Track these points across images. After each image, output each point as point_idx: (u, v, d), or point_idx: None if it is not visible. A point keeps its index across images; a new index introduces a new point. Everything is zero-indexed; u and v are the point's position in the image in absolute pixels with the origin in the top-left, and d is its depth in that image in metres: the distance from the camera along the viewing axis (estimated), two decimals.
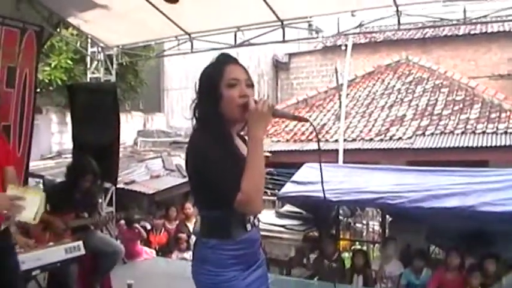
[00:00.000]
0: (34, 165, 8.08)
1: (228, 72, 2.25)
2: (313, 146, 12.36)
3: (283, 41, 6.94)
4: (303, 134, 13.29)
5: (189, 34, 7.15)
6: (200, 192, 2.30)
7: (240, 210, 2.15)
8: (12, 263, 3.34)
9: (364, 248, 9.16)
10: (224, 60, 2.31)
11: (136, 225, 7.74)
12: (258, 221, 2.40)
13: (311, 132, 13.16)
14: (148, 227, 8.74)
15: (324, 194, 2.57)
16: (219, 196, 2.16)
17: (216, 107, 2.23)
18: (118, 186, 7.70)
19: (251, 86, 2.30)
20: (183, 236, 9.02)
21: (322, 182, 2.62)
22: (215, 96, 2.23)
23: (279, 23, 6.66)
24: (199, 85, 2.31)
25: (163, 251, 8.76)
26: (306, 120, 2.46)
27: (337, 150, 10.88)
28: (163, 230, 9.14)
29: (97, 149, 6.21)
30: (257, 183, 2.15)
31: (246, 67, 2.35)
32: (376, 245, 8.86)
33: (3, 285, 3.19)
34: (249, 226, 2.30)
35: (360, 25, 6.62)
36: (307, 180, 7.20)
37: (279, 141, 13.31)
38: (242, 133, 2.44)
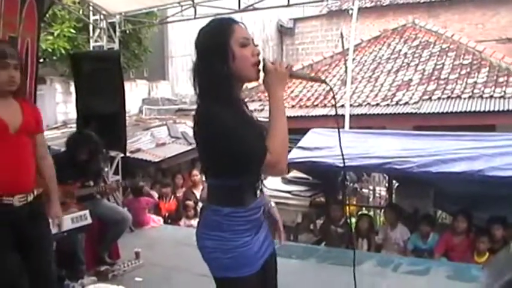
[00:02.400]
0: None
1: (237, 32, 2.18)
2: (318, 111, 12.32)
3: (288, 5, 6.85)
4: (308, 99, 13.21)
5: (192, 0, 7.06)
6: (214, 161, 2.24)
7: (268, 171, 2.19)
8: (45, 226, 3.33)
9: (371, 213, 9.19)
10: (229, 21, 2.22)
11: (146, 197, 7.73)
12: (264, 186, 2.38)
13: (316, 98, 13.10)
14: (156, 195, 8.74)
15: (344, 160, 2.55)
16: (241, 162, 2.13)
17: (226, 67, 2.14)
18: (123, 155, 7.68)
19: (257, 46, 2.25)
20: (190, 203, 9.02)
21: (341, 147, 2.56)
22: (226, 55, 2.14)
23: None
24: (202, 47, 2.21)
25: (172, 218, 8.76)
26: (323, 81, 2.44)
27: (343, 116, 10.81)
28: (172, 197, 9.14)
29: (102, 117, 6.18)
30: (283, 143, 2.16)
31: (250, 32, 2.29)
32: (383, 210, 8.87)
33: (37, 247, 3.19)
34: (258, 192, 2.29)
35: None
36: (314, 145, 7.18)
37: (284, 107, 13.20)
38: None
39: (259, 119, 2.34)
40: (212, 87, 2.15)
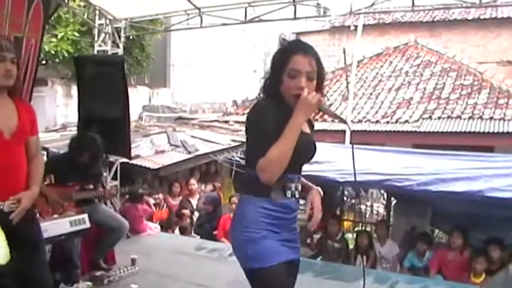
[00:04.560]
0: (39, 137, 8.02)
1: (293, 62, 2.42)
2: (319, 126, 12.17)
3: (294, 18, 6.85)
4: None
5: (198, 8, 7.05)
6: (249, 151, 2.54)
7: (258, 173, 2.32)
8: (37, 230, 3.27)
9: (368, 229, 9.17)
10: (293, 49, 2.48)
11: (144, 205, 7.69)
12: (299, 194, 2.56)
13: (317, 112, 13.07)
14: (152, 201, 8.70)
15: (355, 175, 2.67)
16: (253, 155, 2.36)
17: (276, 87, 2.46)
18: (122, 160, 7.65)
19: (312, 79, 2.44)
20: (186, 212, 8.99)
21: (354, 165, 2.65)
22: (278, 79, 2.45)
23: (291, 0, 6.59)
24: (271, 62, 2.53)
25: (163, 226, 8.69)
26: (343, 121, 2.73)
27: (343, 131, 10.80)
28: (165, 205, 9.11)
29: (104, 121, 6.14)
30: (280, 157, 2.31)
31: (315, 56, 2.48)
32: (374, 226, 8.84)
33: (29, 251, 3.11)
34: (289, 193, 2.48)
35: (373, 4, 6.51)
36: (314, 159, 7.12)
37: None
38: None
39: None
40: (267, 93, 2.53)
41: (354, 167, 2.63)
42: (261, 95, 2.57)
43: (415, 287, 5.59)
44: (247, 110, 2.62)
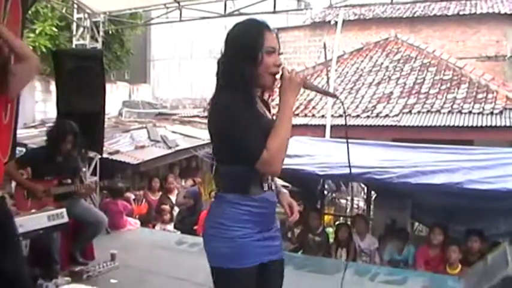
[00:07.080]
0: (17, 133, 7.94)
1: (269, 39, 2.31)
2: (299, 120, 12.33)
3: (274, 12, 6.84)
4: None
5: (178, 2, 7.03)
6: (223, 148, 2.34)
7: (261, 168, 2.23)
8: (12, 226, 3.24)
9: (348, 223, 9.20)
10: (265, 26, 2.35)
11: (123, 201, 7.65)
12: (275, 185, 2.45)
13: (297, 107, 13.10)
14: (133, 197, 8.66)
15: (350, 169, 2.58)
16: (241, 152, 2.24)
17: (254, 68, 2.27)
18: (102, 156, 7.60)
19: (280, 54, 2.36)
20: (166, 207, 8.96)
21: (349, 160, 2.65)
22: (256, 59, 2.27)
23: None
24: (236, 44, 2.32)
25: (142, 221, 8.66)
26: (335, 96, 2.57)
27: (323, 126, 10.83)
28: (144, 200, 9.08)
29: (82, 116, 6.09)
30: (282, 144, 2.26)
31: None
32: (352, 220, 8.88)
33: (4, 247, 3.07)
34: (265, 186, 2.35)
35: None
36: (294, 153, 7.15)
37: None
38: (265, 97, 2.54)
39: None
40: (234, 81, 2.27)
41: (349, 162, 2.61)
42: (218, 86, 2.36)
43: (395, 279, 5.62)
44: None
